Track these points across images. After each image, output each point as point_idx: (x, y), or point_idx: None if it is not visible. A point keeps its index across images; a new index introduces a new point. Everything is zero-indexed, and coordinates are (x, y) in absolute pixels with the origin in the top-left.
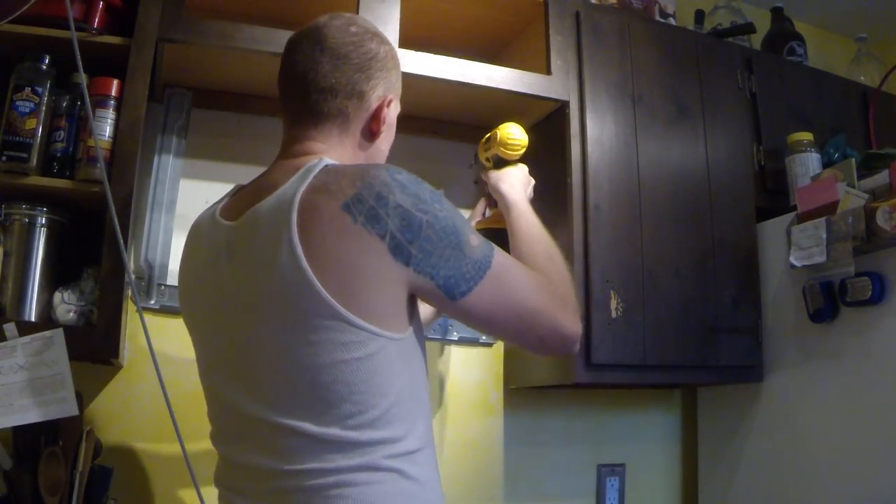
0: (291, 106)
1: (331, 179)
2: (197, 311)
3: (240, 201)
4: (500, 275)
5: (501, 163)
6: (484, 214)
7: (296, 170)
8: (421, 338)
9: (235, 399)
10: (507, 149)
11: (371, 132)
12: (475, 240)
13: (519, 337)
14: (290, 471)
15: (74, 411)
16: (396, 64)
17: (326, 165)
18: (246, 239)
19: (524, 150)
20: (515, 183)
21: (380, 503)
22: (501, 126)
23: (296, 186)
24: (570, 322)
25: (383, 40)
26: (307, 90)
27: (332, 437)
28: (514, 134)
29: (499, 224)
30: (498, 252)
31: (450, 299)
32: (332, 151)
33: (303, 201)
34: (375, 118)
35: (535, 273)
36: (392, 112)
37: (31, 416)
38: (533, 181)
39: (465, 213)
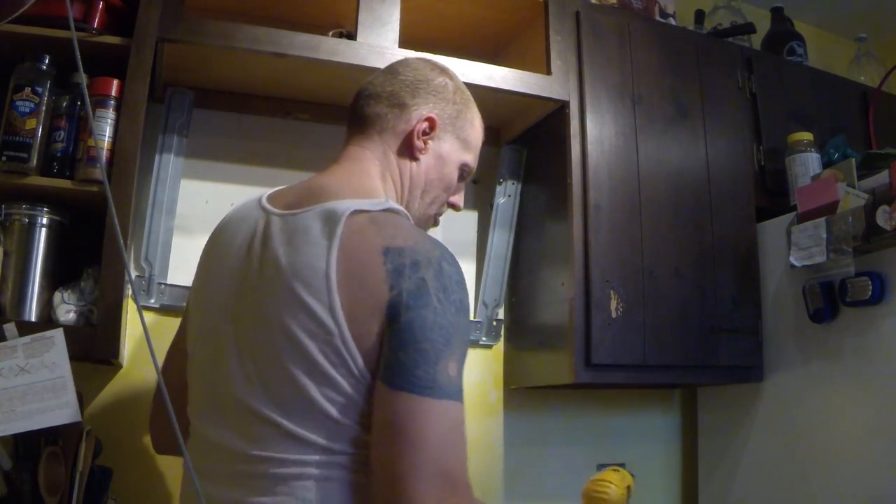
0: (349, 116)
1: (389, 223)
2: (212, 281)
3: (291, 195)
4: (435, 416)
5: None
6: None
7: (351, 185)
8: None
9: (225, 377)
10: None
11: (409, 148)
12: (454, 370)
13: (383, 480)
14: (257, 456)
15: (77, 417)
16: (459, 101)
17: (392, 209)
18: (288, 237)
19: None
20: None
21: (344, 498)
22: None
23: (352, 207)
24: None
25: (449, 75)
26: (358, 97)
27: (310, 440)
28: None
29: None
30: (459, 405)
31: (381, 380)
32: (373, 159)
33: (352, 224)
34: (414, 134)
35: (463, 470)
36: (445, 145)
37: (34, 422)
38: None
39: (465, 213)
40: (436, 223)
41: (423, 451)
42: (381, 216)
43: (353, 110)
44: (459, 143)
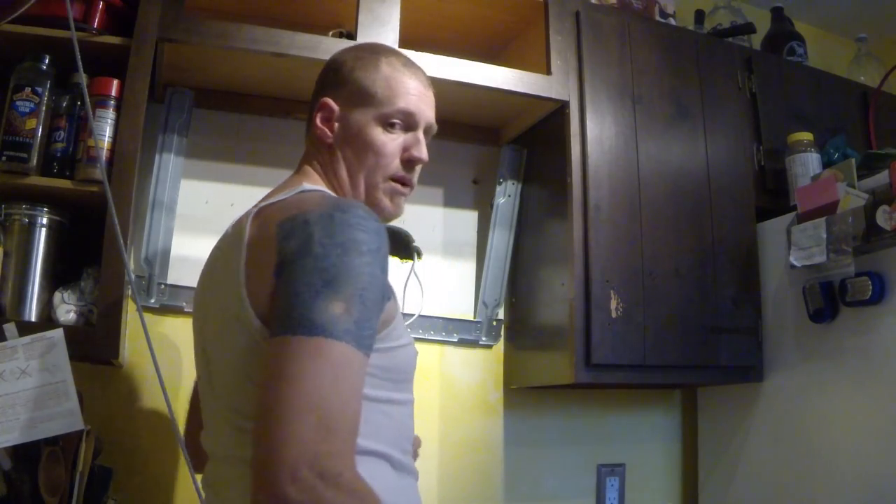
0: None
1: (294, 199)
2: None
3: None
4: (309, 353)
5: None
6: None
7: (284, 187)
8: None
9: (205, 394)
10: None
11: (320, 140)
12: (340, 309)
13: (257, 422)
14: (238, 457)
15: (80, 425)
16: (358, 65)
17: (307, 189)
18: (220, 247)
19: None
20: None
21: None
22: None
23: (265, 203)
24: (294, 483)
25: (355, 50)
26: None
27: None
28: None
29: None
30: (346, 347)
31: (271, 333)
32: (310, 156)
33: (263, 215)
34: (315, 127)
35: (343, 420)
36: (352, 116)
37: (38, 431)
38: None
39: (465, 213)
40: (406, 184)
41: (293, 387)
42: (291, 199)
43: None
44: (367, 100)
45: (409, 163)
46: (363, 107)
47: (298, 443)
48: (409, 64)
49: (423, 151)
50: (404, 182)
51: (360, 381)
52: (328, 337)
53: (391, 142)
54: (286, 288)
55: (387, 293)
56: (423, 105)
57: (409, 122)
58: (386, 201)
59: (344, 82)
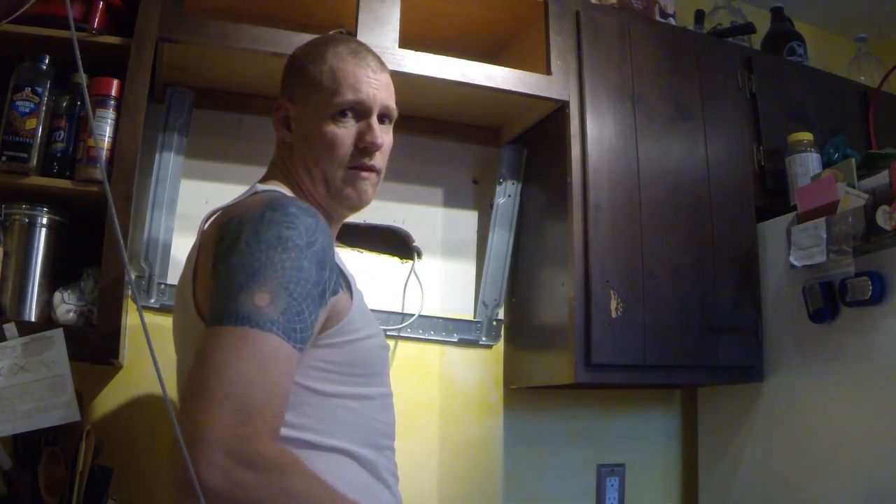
0: None
1: (238, 204)
2: None
3: None
4: (233, 342)
5: None
6: None
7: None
8: None
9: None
10: None
11: (281, 140)
12: (264, 300)
13: (180, 408)
14: None
15: (77, 416)
16: (306, 60)
17: (257, 191)
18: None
19: None
20: None
21: None
22: None
23: (216, 210)
24: (209, 468)
25: (309, 50)
26: None
27: None
28: None
29: None
30: (271, 336)
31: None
32: (276, 155)
33: (216, 218)
34: (276, 127)
35: (266, 406)
36: (305, 111)
37: (33, 422)
38: None
39: (465, 213)
40: (370, 169)
41: (214, 374)
42: (240, 201)
43: None
44: (316, 93)
45: (364, 150)
46: (314, 101)
47: (215, 428)
48: (359, 51)
49: (375, 136)
50: (362, 168)
51: (289, 370)
52: (253, 327)
53: (343, 132)
54: (214, 285)
55: (331, 287)
56: (373, 90)
57: (359, 111)
58: (348, 190)
59: (298, 78)
